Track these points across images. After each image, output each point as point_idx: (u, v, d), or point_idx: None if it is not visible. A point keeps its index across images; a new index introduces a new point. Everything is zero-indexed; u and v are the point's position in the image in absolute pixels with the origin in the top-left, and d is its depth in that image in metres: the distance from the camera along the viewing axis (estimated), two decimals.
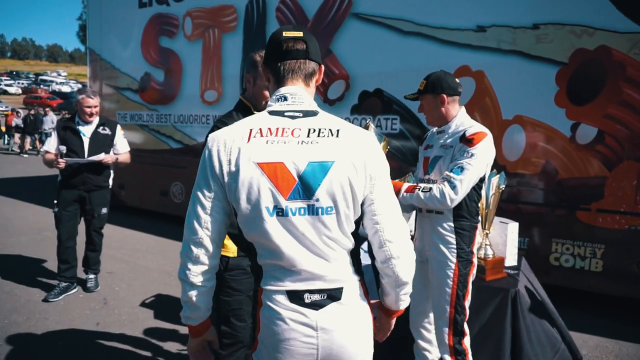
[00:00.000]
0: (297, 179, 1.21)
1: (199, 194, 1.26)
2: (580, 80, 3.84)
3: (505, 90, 4.16)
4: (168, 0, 6.69)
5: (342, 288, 1.27)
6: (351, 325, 1.28)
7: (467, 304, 2.18)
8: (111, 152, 4.16)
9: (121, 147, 4.24)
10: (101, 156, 3.97)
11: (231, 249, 2.13)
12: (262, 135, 1.23)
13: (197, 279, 1.28)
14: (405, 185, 2.24)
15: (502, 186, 2.56)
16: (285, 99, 1.30)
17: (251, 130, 1.25)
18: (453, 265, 2.16)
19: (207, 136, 1.35)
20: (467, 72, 4.27)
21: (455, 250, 2.16)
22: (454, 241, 2.17)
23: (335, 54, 5.11)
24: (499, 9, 4.15)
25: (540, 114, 3.99)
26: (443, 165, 2.21)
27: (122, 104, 7.51)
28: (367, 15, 4.87)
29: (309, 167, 1.22)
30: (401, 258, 1.31)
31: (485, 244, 2.58)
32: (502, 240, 2.75)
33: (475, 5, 4.26)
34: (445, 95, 2.24)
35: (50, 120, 17.46)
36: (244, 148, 1.22)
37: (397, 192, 2.19)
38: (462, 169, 2.08)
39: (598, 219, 3.83)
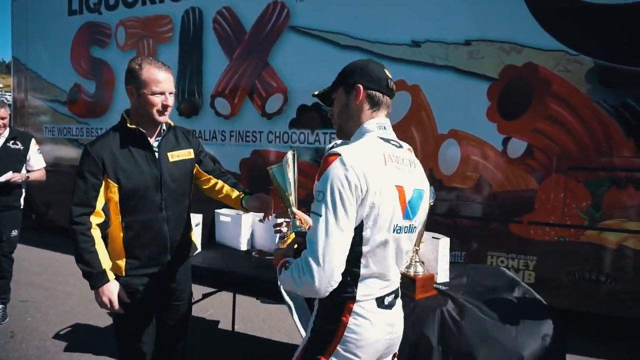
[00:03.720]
0: (407, 202, 1.40)
1: (337, 216, 1.26)
2: (510, 96, 3.93)
3: (440, 105, 4.19)
4: (100, 9, 6.35)
5: (399, 287, 1.55)
6: (402, 315, 1.59)
7: None
8: (23, 169, 3.79)
9: (35, 164, 3.88)
10: (8, 175, 3.60)
11: (121, 268, 2.00)
12: (392, 161, 1.39)
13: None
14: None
15: (432, 201, 2.48)
16: (385, 128, 1.50)
17: (384, 155, 1.38)
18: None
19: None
20: (404, 87, 4.27)
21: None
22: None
23: (274, 67, 4.99)
24: (432, 25, 4.19)
25: (474, 129, 4.03)
26: None
27: (49, 116, 6.99)
28: (305, 29, 4.80)
29: (415, 193, 1.44)
30: None
31: (415, 261, 2.49)
32: (434, 256, 2.67)
33: (410, 21, 4.29)
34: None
35: None
36: (383, 171, 1.35)
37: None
38: None
39: (530, 231, 3.89)
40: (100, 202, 1.93)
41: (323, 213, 1.27)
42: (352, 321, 1.39)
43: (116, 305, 1.92)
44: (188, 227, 2.24)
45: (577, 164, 3.76)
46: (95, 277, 1.88)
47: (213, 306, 4.09)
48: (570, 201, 3.77)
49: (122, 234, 1.98)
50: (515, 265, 3.94)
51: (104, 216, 1.97)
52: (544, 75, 3.81)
